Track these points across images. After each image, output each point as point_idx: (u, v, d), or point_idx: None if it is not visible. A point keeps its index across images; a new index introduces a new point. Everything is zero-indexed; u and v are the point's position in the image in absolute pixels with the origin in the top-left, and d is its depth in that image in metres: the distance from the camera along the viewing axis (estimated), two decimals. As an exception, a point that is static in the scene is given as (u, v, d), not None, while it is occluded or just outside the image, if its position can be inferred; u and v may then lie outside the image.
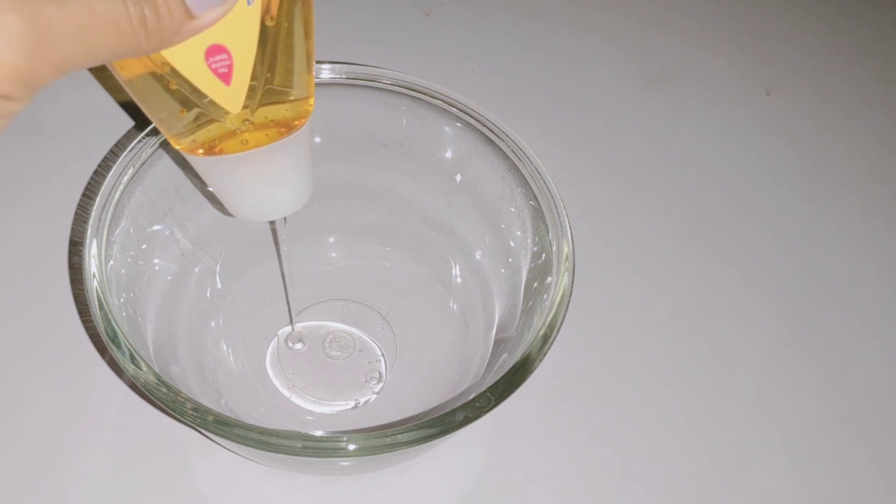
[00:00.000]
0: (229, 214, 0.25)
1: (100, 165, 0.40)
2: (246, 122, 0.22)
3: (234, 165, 0.23)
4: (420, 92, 0.32)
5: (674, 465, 0.35)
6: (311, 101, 0.23)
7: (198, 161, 0.23)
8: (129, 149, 0.28)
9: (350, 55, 0.45)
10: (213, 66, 0.19)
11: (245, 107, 0.21)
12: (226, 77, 0.20)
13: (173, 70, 0.19)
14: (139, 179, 0.29)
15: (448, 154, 0.33)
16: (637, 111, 0.49)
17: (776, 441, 0.36)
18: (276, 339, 0.35)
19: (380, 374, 0.34)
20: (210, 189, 0.26)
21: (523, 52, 0.51)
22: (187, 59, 0.19)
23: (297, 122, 0.23)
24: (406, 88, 0.32)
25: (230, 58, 0.20)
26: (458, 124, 0.32)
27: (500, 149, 0.31)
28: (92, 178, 0.39)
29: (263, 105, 0.21)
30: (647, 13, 0.56)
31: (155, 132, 0.29)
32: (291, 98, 0.22)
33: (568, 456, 0.34)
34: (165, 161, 0.30)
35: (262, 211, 0.25)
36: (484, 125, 0.31)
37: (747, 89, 0.52)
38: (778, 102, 0.52)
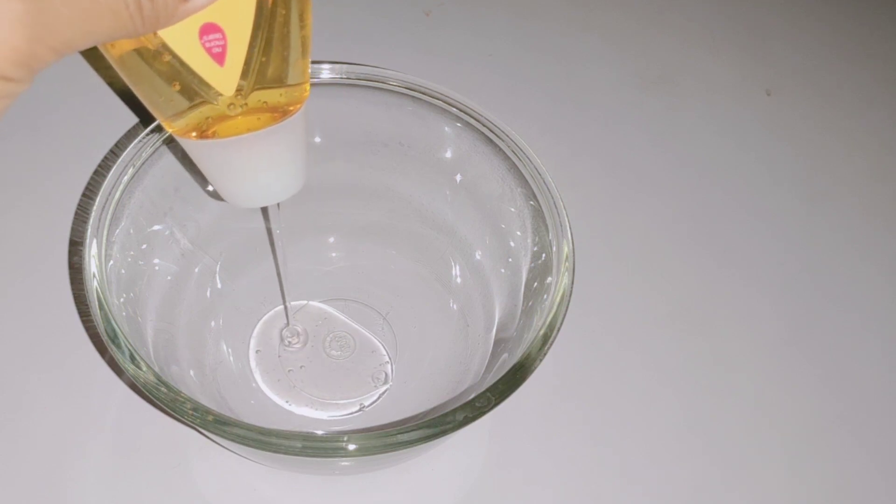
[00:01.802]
0: (224, 201, 0.25)
1: (100, 165, 0.40)
2: (240, 105, 0.21)
3: (227, 149, 0.22)
4: (420, 92, 0.32)
5: (674, 465, 0.35)
6: (307, 87, 0.22)
7: (191, 145, 0.22)
8: (129, 148, 0.28)
9: (350, 55, 0.45)
10: (207, 45, 0.19)
11: (239, 89, 0.21)
12: (219, 57, 0.20)
13: (166, 48, 0.19)
14: (139, 179, 0.29)
15: (448, 154, 0.33)
16: (637, 111, 0.49)
17: (776, 441, 0.36)
18: (273, 340, 0.35)
19: (386, 374, 0.34)
20: (208, 183, 0.26)
21: (523, 52, 0.51)
22: (181, 36, 0.19)
23: (291, 108, 0.22)
24: (406, 88, 0.32)
25: (224, 38, 0.19)
26: (458, 124, 0.32)
27: (500, 149, 0.31)
28: (92, 178, 0.39)
29: (257, 89, 0.21)
30: (647, 13, 0.56)
31: (156, 130, 0.29)
32: (286, 83, 0.22)
33: (568, 456, 0.34)
34: (165, 161, 0.30)
35: (254, 197, 0.25)
36: (484, 125, 0.31)
37: (747, 89, 0.52)
38: (778, 102, 0.52)
